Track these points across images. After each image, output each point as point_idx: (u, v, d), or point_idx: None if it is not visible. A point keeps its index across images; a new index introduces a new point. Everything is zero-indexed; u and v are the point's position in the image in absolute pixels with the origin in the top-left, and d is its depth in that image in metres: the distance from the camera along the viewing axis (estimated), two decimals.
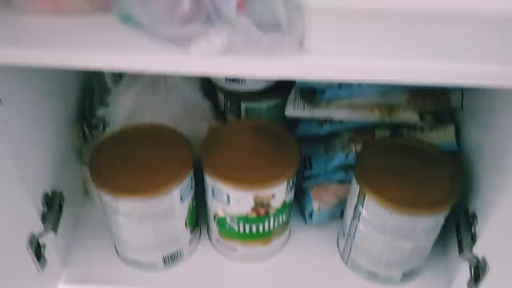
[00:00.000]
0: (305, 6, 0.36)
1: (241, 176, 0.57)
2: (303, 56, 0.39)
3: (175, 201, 0.58)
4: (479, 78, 0.39)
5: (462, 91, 0.67)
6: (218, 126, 0.64)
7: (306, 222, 0.71)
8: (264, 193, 0.57)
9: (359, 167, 0.60)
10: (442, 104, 0.67)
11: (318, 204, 0.69)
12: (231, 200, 0.58)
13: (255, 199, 0.57)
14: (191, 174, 0.59)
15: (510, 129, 0.51)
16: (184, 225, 0.62)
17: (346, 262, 0.67)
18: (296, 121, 0.71)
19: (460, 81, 0.39)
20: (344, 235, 0.66)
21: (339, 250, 0.69)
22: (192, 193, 0.61)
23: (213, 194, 0.60)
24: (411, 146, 0.62)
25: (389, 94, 0.66)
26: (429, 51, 0.38)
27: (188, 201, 0.61)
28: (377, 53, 0.38)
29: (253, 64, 0.39)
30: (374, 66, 0.39)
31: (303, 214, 0.72)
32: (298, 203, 0.73)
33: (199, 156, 0.59)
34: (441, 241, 0.66)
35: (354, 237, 0.63)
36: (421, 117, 0.66)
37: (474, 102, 0.63)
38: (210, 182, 0.59)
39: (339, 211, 0.71)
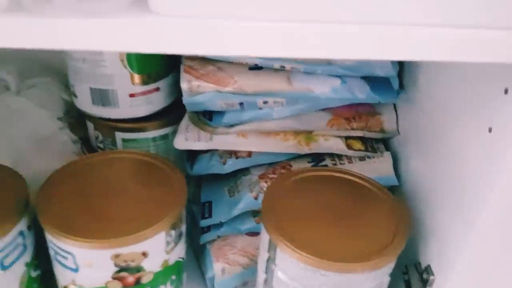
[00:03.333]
0: None
1: (92, 226, 0.38)
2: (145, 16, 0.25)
3: None
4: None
5: (396, 111, 0.53)
6: (74, 161, 0.46)
7: None
8: (129, 250, 0.39)
9: (267, 209, 0.43)
10: (373, 128, 0.53)
11: (221, 266, 0.52)
12: (79, 263, 0.39)
13: (116, 261, 0.39)
14: (20, 227, 0.40)
15: (465, 153, 0.37)
16: None
17: None
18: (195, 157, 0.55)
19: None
20: None
21: None
22: (29, 255, 0.42)
23: (55, 256, 0.41)
24: (337, 180, 0.47)
25: (306, 117, 0.52)
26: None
27: (20, 268, 0.41)
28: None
29: (61, 28, 0.24)
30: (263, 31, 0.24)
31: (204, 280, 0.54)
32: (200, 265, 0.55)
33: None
34: None
35: None
36: (348, 146, 0.52)
37: (412, 121, 0.49)
38: (49, 238, 0.40)
39: (252, 275, 0.53)
